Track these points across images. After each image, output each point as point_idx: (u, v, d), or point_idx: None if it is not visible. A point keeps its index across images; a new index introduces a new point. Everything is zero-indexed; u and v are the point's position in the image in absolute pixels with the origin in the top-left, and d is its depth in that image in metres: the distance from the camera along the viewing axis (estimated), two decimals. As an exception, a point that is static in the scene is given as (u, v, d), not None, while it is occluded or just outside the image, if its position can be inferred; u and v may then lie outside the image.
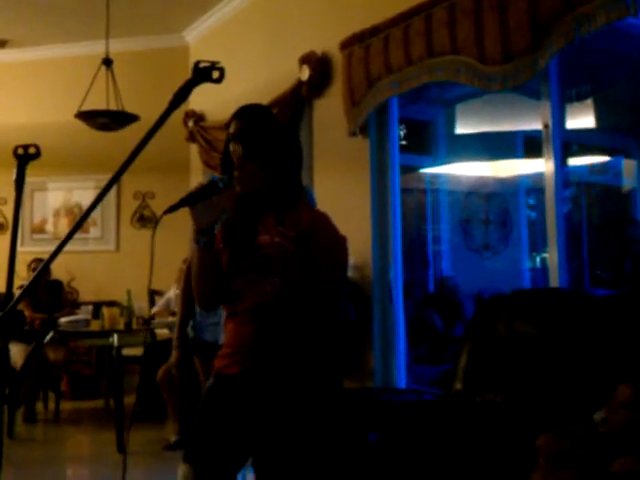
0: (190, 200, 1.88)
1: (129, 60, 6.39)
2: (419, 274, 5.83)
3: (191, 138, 6.40)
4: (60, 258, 1.54)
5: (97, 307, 5.93)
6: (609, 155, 5.81)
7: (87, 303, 6.32)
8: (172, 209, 1.83)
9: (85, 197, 6.85)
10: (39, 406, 5.72)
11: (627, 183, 5.82)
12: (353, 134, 4.17)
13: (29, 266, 5.67)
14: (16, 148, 1.63)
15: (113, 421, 4.62)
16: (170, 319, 5.03)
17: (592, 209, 5.89)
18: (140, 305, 5.36)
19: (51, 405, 5.80)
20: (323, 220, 2.02)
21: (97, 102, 5.57)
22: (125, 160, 1.38)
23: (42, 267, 1.65)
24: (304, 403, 1.93)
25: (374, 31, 3.91)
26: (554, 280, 3.24)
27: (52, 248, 1.52)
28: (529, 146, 5.75)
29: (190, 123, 6.34)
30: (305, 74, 4.62)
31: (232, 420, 1.96)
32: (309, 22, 4.86)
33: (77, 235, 1.53)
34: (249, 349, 1.96)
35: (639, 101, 4.90)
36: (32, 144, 1.61)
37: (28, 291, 1.54)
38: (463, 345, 2.80)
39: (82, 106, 5.51)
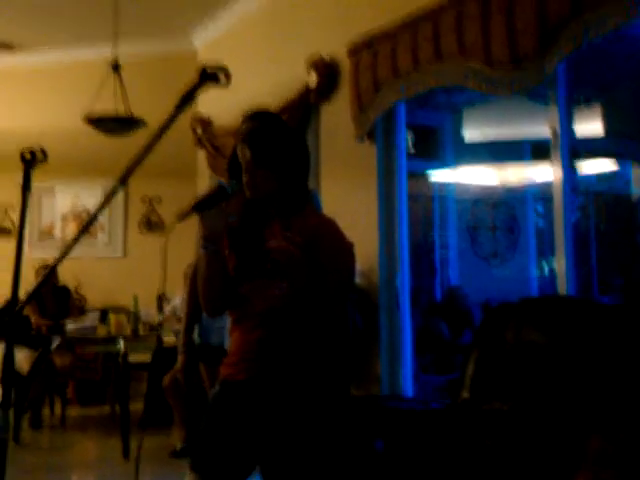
0: (200, 207, 1.88)
1: (137, 65, 6.41)
2: (426, 281, 5.81)
3: (199, 143, 6.41)
4: (67, 264, 1.54)
5: (104, 313, 5.93)
6: (617, 161, 5.78)
7: (94, 309, 6.33)
8: (184, 216, 1.83)
9: (92, 202, 6.86)
10: (45, 412, 5.72)
11: (636, 191, 5.79)
12: (360, 139, 4.17)
13: (37, 272, 5.68)
14: (23, 152, 1.63)
15: (119, 427, 4.61)
16: (177, 325, 5.03)
17: (600, 217, 5.86)
18: (147, 311, 5.36)
19: (57, 411, 5.80)
20: (330, 226, 2.01)
21: (105, 107, 5.58)
22: (132, 162, 1.37)
23: (48, 272, 1.65)
24: (311, 410, 1.91)
25: (382, 36, 3.91)
26: (562, 288, 3.21)
27: (61, 253, 1.52)
28: (537, 152, 5.73)
29: (198, 128, 6.35)
30: (313, 79, 4.62)
31: (239, 428, 1.94)
32: (317, 27, 4.86)
33: (84, 240, 1.52)
34: (256, 356, 1.95)
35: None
36: (39, 148, 1.61)
37: (33, 296, 1.53)
38: (470, 353, 2.78)
39: (90, 111, 5.53)
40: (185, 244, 3.85)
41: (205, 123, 6.30)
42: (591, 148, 5.24)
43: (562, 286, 3.21)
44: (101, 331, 5.27)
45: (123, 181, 1.42)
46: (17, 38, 6.74)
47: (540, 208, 6.19)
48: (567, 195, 3.18)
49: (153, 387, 5.11)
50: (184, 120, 1.62)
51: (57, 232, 7.08)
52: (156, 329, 5.24)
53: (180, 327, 3.83)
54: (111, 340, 5.01)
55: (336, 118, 4.53)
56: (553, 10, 2.89)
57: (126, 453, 4.50)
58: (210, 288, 1.99)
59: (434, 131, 5.72)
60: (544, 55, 2.93)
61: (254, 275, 1.97)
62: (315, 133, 4.73)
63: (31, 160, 1.64)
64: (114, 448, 4.56)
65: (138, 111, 5.60)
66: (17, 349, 5.04)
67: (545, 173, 5.27)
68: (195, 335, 3.54)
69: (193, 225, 2.04)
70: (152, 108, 5.52)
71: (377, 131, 4.14)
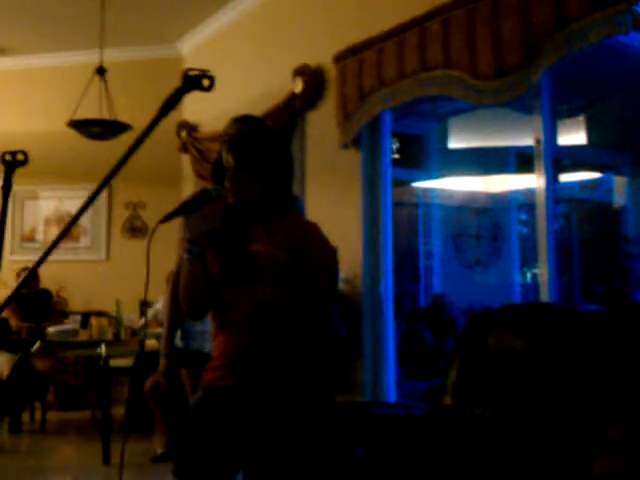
0: (185, 209, 1.88)
1: (123, 70, 6.39)
2: (410, 288, 5.83)
3: (183, 149, 6.40)
4: (49, 267, 1.53)
5: (86, 317, 5.88)
6: (600, 171, 5.84)
7: (76, 313, 6.28)
8: (167, 218, 1.82)
9: (76, 206, 6.74)
10: (25, 416, 5.66)
11: (618, 200, 5.85)
12: (345, 147, 4.18)
13: (18, 275, 5.63)
14: (4, 154, 1.62)
15: (100, 432, 4.58)
16: (158, 330, 5.00)
17: (583, 225, 5.91)
18: (129, 316, 5.33)
19: (37, 415, 5.74)
20: (315, 230, 2.02)
21: (90, 111, 5.56)
22: (114, 165, 1.36)
23: (28, 274, 1.63)
24: (294, 417, 1.91)
25: (367, 44, 3.93)
26: (544, 295, 3.24)
27: (42, 257, 1.51)
28: (521, 161, 5.77)
29: (183, 134, 6.34)
30: (298, 86, 4.63)
31: (222, 433, 1.94)
32: (303, 35, 4.88)
33: (67, 244, 1.52)
34: (240, 361, 1.95)
35: (630, 118, 4.93)
36: (20, 150, 1.60)
37: (11, 299, 1.52)
38: (453, 359, 2.79)
39: (75, 115, 5.50)
40: (168, 249, 3.85)
41: (190, 128, 6.29)
42: (574, 158, 5.29)
43: (544, 294, 3.23)
44: (82, 335, 5.24)
45: (103, 185, 1.41)
46: (5, 43, 6.71)
47: (523, 216, 6.23)
48: (550, 203, 3.21)
49: (135, 392, 5.09)
50: (169, 125, 1.61)
51: (39, 236, 7.03)
52: (138, 333, 5.21)
53: (162, 331, 3.82)
54: (92, 344, 4.97)
55: (321, 125, 4.54)
56: (538, 21, 2.92)
57: (107, 458, 4.47)
58: (192, 291, 1.99)
59: (419, 139, 5.75)
60: (529, 66, 2.96)
61: (238, 280, 1.96)
62: (300, 140, 4.73)
63: (12, 162, 1.64)
64: (95, 453, 4.52)
65: (123, 116, 5.58)
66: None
67: (528, 181, 5.31)
68: (177, 340, 3.52)
69: (176, 230, 2.04)
70: (137, 113, 5.50)
71: (362, 139, 4.16)
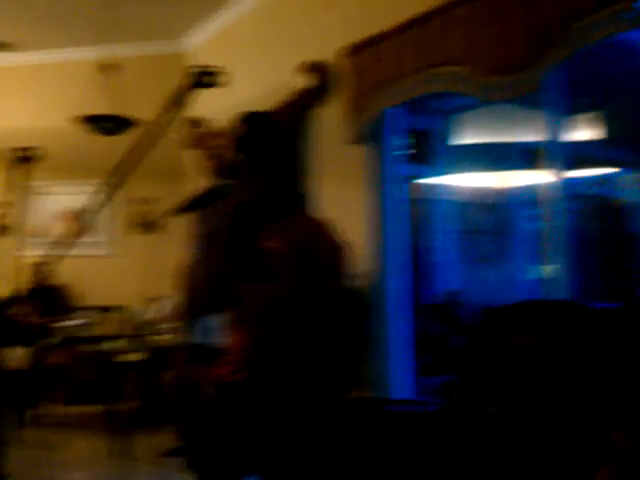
0: (197, 204, 1.90)
1: (131, 65, 6.41)
2: (417, 284, 5.83)
3: (190, 144, 6.41)
4: (61, 262, 1.55)
5: (97, 312, 5.93)
6: (609, 167, 5.81)
7: (87, 308, 6.32)
8: (179, 211, 1.84)
9: (86, 202, 6.85)
10: (38, 410, 5.71)
11: (627, 196, 5.82)
12: (352, 143, 4.18)
13: (30, 270, 5.66)
14: (16, 150, 1.64)
15: (112, 426, 4.61)
16: (167, 325, 5.03)
17: (591, 222, 5.89)
18: (139, 310, 5.36)
19: (50, 409, 5.79)
20: (325, 228, 2.03)
21: (99, 107, 5.58)
22: (124, 167, 1.38)
23: (39, 272, 1.66)
24: (306, 411, 1.93)
25: (373, 41, 3.93)
26: (556, 292, 3.23)
27: (53, 252, 1.53)
28: (529, 157, 5.74)
29: (190, 129, 6.34)
30: (305, 82, 4.62)
31: (236, 428, 1.95)
32: (309, 31, 4.88)
33: (77, 239, 1.54)
34: (251, 356, 1.96)
35: (640, 113, 4.91)
36: (32, 146, 1.62)
37: (25, 295, 1.54)
38: (464, 356, 2.79)
39: (84, 110, 5.53)
40: (176, 244, 3.88)
41: (196, 124, 6.30)
42: (584, 154, 5.27)
43: (554, 290, 3.23)
44: (92, 330, 5.28)
45: (118, 184, 1.43)
46: (10, 38, 6.74)
47: (531, 212, 6.21)
48: (559, 199, 3.21)
49: (145, 386, 5.12)
50: (175, 121, 1.64)
51: (49, 231, 7.06)
52: (147, 328, 5.24)
53: (175, 326, 3.84)
54: (102, 339, 5.01)
55: (330, 121, 4.53)
56: (545, 18, 2.92)
57: (117, 452, 4.50)
58: (203, 287, 2.01)
59: (426, 136, 5.74)
60: (536, 62, 2.95)
61: (248, 276, 1.98)
62: (308, 136, 4.73)
63: (24, 158, 1.66)
64: (107, 447, 4.56)
65: (131, 111, 5.60)
66: (11, 348, 5.05)
67: (537, 177, 5.29)
68: (189, 334, 3.54)
69: (184, 225, 2.06)
70: (146, 108, 5.52)
71: (368, 135, 4.16)
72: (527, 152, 5.77)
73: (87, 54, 6.66)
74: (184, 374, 3.26)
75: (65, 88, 6.88)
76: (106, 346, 4.96)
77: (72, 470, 4.62)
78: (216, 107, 5.57)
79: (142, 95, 6.37)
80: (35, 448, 5.06)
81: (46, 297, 5.80)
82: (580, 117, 5.07)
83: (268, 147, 2.02)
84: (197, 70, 1.40)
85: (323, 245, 1.99)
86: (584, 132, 5.29)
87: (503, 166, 5.98)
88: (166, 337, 5.05)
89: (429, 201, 6.02)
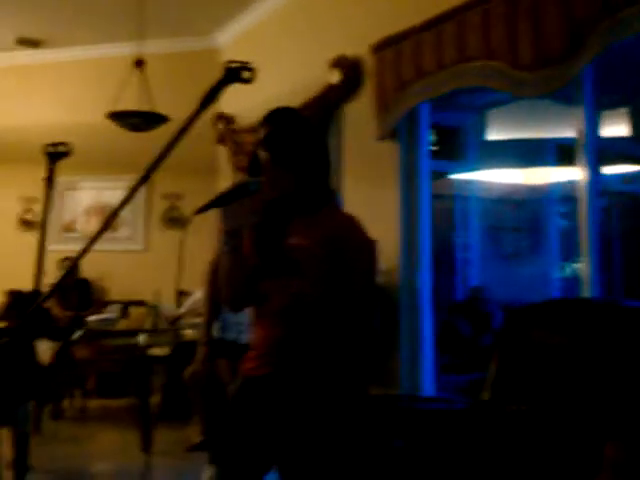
0: (222, 201, 1.88)
1: (161, 62, 6.44)
2: (447, 281, 5.78)
3: (221, 140, 6.43)
4: (89, 257, 1.55)
5: (125, 306, 5.98)
6: (637, 165, 5.71)
7: (115, 302, 6.38)
8: (204, 209, 1.83)
9: (115, 197, 6.91)
10: (66, 403, 5.78)
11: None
12: (382, 139, 4.15)
13: (59, 264, 5.73)
14: (46, 146, 1.64)
15: (138, 420, 4.64)
16: (197, 320, 5.05)
17: (624, 219, 5.79)
18: (167, 305, 5.39)
19: (77, 402, 5.86)
20: (354, 223, 2.00)
21: (128, 103, 5.62)
22: (154, 159, 1.38)
23: (70, 266, 1.66)
24: (330, 407, 1.91)
25: (406, 35, 3.89)
26: (586, 290, 3.18)
27: (81, 247, 1.53)
28: (561, 154, 5.67)
29: (220, 125, 6.37)
30: (335, 78, 4.61)
31: (260, 423, 1.95)
32: (340, 26, 4.85)
33: (106, 234, 1.54)
34: (276, 352, 1.96)
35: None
36: (62, 142, 1.63)
37: (56, 289, 1.55)
38: (492, 354, 2.76)
39: (114, 106, 5.56)
40: (206, 240, 3.88)
41: (227, 120, 6.32)
42: (616, 150, 5.18)
43: (586, 288, 3.18)
44: (122, 324, 5.32)
45: (144, 179, 1.42)
46: (43, 35, 6.81)
47: (563, 209, 6.12)
48: (592, 196, 3.15)
49: (172, 380, 5.14)
50: (206, 117, 1.62)
51: (79, 226, 7.14)
52: (175, 323, 5.27)
53: (200, 321, 3.85)
54: (131, 333, 5.04)
55: (358, 117, 4.52)
56: (581, 11, 2.86)
57: (146, 446, 4.53)
58: (231, 283, 2.00)
59: (457, 131, 5.68)
60: (571, 57, 2.90)
61: (274, 273, 1.97)
62: (337, 132, 4.72)
63: (55, 154, 1.66)
64: (134, 440, 4.59)
65: (161, 107, 5.63)
66: (39, 341, 5.10)
67: (569, 174, 5.22)
68: (214, 330, 3.54)
69: (213, 221, 2.04)
70: (175, 104, 5.55)
71: (400, 131, 4.13)
72: (559, 148, 5.70)
73: (117, 51, 6.71)
74: (206, 369, 3.26)
75: (96, 85, 6.94)
76: (133, 340, 4.99)
77: (96, 463, 4.67)
78: (245, 104, 5.58)
79: (172, 91, 6.41)
80: (60, 441, 5.12)
81: (74, 291, 5.86)
82: (608, 113, 4.98)
83: (297, 143, 1.99)
84: (235, 65, 1.38)
85: (352, 241, 1.96)
86: (612, 128, 5.19)
87: (534, 162, 5.91)
88: (193, 332, 5.08)
89: (460, 197, 5.97)
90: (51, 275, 5.27)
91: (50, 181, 1.64)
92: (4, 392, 4.04)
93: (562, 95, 3.66)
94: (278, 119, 2.22)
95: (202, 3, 6.02)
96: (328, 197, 2.07)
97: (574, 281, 5.68)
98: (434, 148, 4.85)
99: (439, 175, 5.39)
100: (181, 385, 4.67)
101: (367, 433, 2.12)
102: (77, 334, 5.18)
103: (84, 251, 1.49)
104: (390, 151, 4.19)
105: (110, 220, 1.50)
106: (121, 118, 5.52)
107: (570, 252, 5.84)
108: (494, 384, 2.67)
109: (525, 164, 5.90)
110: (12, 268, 6.65)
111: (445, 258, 5.76)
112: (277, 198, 1.99)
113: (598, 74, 3.26)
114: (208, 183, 6.40)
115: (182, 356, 4.91)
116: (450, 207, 5.93)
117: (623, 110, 5.17)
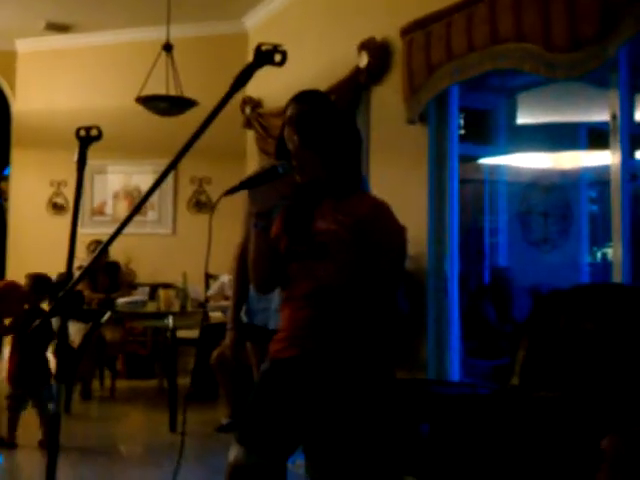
0: (250, 183, 1.89)
1: (189, 46, 6.45)
2: (475, 266, 5.74)
3: (248, 124, 6.43)
4: (118, 240, 1.56)
5: (153, 289, 6.04)
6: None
7: (144, 285, 6.45)
8: (232, 191, 1.84)
9: (144, 181, 6.97)
10: (95, 384, 5.87)
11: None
12: (412, 122, 4.12)
13: (88, 247, 5.80)
14: (78, 130, 1.65)
15: (166, 401, 4.70)
16: (224, 303, 5.08)
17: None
18: (195, 288, 5.43)
19: (107, 383, 5.95)
20: (383, 209, 1.99)
21: (157, 87, 5.64)
22: (184, 144, 1.38)
23: (101, 249, 1.67)
24: (358, 389, 1.92)
25: (436, 17, 3.84)
26: (617, 275, 3.14)
27: (111, 230, 1.54)
28: (593, 138, 5.57)
29: (247, 109, 6.36)
30: (364, 61, 4.57)
31: (286, 404, 1.96)
32: (369, 8, 4.81)
33: (135, 218, 1.55)
34: (304, 334, 1.97)
35: None
36: (94, 126, 1.63)
37: (88, 272, 1.56)
38: (521, 340, 2.74)
39: (142, 91, 5.59)
40: (234, 223, 3.90)
41: (254, 104, 6.31)
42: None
43: (617, 274, 3.13)
44: (150, 307, 5.37)
45: (173, 165, 1.43)
46: (73, 20, 6.85)
47: (594, 194, 6.03)
48: (625, 181, 3.10)
49: (200, 362, 5.19)
50: (234, 101, 1.62)
51: (108, 210, 7.21)
52: (203, 306, 5.31)
53: (228, 304, 3.87)
54: (160, 315, 5.09)
55: (387, 100, 4.48)
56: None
57: (173, 426, 4.59)
58: (259, 265, 2.01)
59: (487, 114, 5.61)
60: (606, 37, 2.84)
61: (301, 256, 1.97)
62: (365, 115, 4.69)
63: (86, 138, 1.67)
64: (162, 421, 4.65)
65: (190, 92, 5.64)
66: (69, 323, 5.18)
67: (600, 158, 5.13)
68: (242, 314, 3.56)
69: (241, 204, 2.04)
70: (203, 89, 5.56)
71: (429, 114, 4.09)
72: (590, 132, 5.60)
73: (146, 35, 6.73)
74: (233, 354, 3.28)
75: (124, 69, 6.98)
76: (161, 322, 5.04)
77: (125, 443, 4.74)
78: (273, 87, 5.57)
79: (200, 75, 6.42)
80: (89, 421, 5.21)
81: (104, 274, 5.92)
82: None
83: (328, 126, 1.99)
84: (267, 48, 1.37)
85: (381, 227, 1.95)
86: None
87: (565, 147, 5.82)
88: (220, 314, 5.11)
89: (489, 182, 5.91)
90: (80, 258, 5.32)
91: (82, 165, 1.65)
92: (31, 373, 4.12)
93: (595, 78, 3.59)
94: (307, 101, 2.21)
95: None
96: (358, 182, 2.06)
97: (604, 267, 5.60)
98: (463, 132, 4.80)
99: (468, 159, 5.33)
100: (209, 367, 4.71)
101: (393, 416, 2.12)
102: (106, 316, 5.24)
103: (115, 235, 1.50)
104: (418, 135, 4.16)
105: (140, 205, 1.50)
106: (150, 102, 5.54)
107: (600, 237, 5.76)
108: (523, 370, 2.65)
109: (556, 148, 5.82)
110: (42, 251, 6.76)
111: (474, 243, 5.71)
112: (307, 182, 1.99)
113: (632, 56, 3.19)
114: (236, 167, 6.41)
115: (210, 338, 4.95)
116: (479, 192, 5.87)
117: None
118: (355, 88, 4.71)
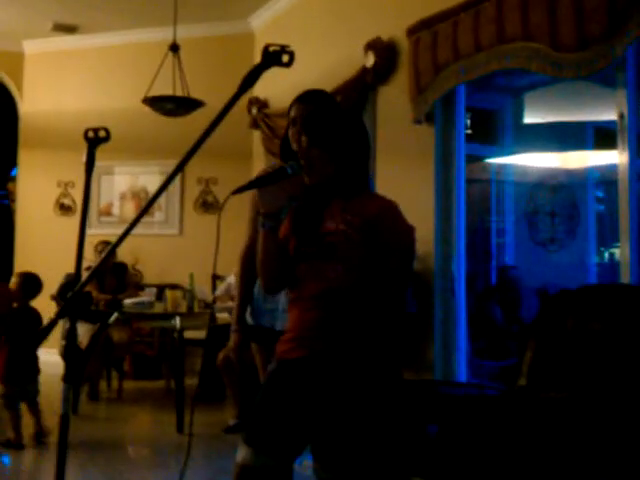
0: (259, 183, 1.89)
1: (195, 46, 6.46)
2: (482, 266, 5.73)
3: (254, 125, 6.44)
4: (126, 241, 1.56)
5: (160, 290, 6.04)
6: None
7: (151, 285, 6.45)
8: (240, 190, 1.84)
9: (151, 182, 6.99)
10: (102, 385, 5.88)
11: None
12: (418, 122, 4.11)
13: (95, 248, 5.81)
14: (87, 131, 1.65)
15: (174, 402, 4.70)
16: (231, 303, 5.08)
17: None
18: (202, 289, 5.43)
19: (114, 384, 5.96)
20: (392, 208, 1.99)
21: (164, 88, 5.65)
22: (193, 144, 1.38)
23: (110, 250, 1.68)
24: (366, 390, 1.91)
25: (442, 17, 3.84)
26: (625, 276, 3.13)
27: (118, 231, 1.55)
28: (600, 137, 5.55)
29: (253, 110, 6.37)
30: (370, 60, 4.57)
31: (294, 404, 1.96)
32: (375, 8, 4.81)
33: (142, 219, 1.55)
34: (312, 334, 1.96)
35: None
36: (102, 127, 1.64)
37: (96, 273, 1.57)
38: (528, 340, 2.73)
39: (149, 92, 5.60)
40: (240, 224, 3.90)
41: (261, 104, 6.32)
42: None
43: (625, 274, 3.12)
44: (157, 307, 5.37)
45: (180, 167, 1.43)
46: (80, 21, 6.87)
47: (601, 193, 6.01)
48: (633, 181, 3.09)
49: (207, 363, 5.20)
50: (240, 102, 1.62)
51: (115, 211, 7.23)
52: (210, 307, 5.31)
53: (233, 305, 3.87)
54: (167, 316, 5.09)
55: (393, 100, 4.48)
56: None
57: (180, 427, 4.60)
58: (268, 265, 2.01)
59: (494, 114, 5.60)
60: (613, 37, 2.83)
61: (310, 256, 1.97)
62: (372, 115, 4.69)
63: (94, 139, 1.67)
64: (169, 422, 4.65)
65: (196, 92, 5.65)
66: (77, 323, 5.18)
67: (607, 158, 5.11)
68: (247, 316, 3.56)
69: (248, 207, 2.04)
70: (210, 89, 5.58)
71: (436, 114, 4.08)
72: (597, 132, 5.58)
73: (152, 36, 6.75)
74: (238, 356, 3.27)
75: (131, 70, 7.00)
76: (168, 323, 5.05)
77: (132, 444, 4.74)
78: (279, 88, 5.58)
79: (207, 76, 6.43)
80: (96, 421, 5.22)
81: (111, 275, 5.94)
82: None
83: (334, 124, 1.98)
84: (275, 48, 1.37)
85: (390, 227, 1.95)
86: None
87: (572, 146, 5.80)
88: (227, 315, 5.11)
89: (496, 182, 5.89)
90: (87, 259, 5.34)
91: (90, 166, 1.65)
92: (20, 371, 4.16)
93: (602, 77, 3.58)
94: (312, 101, 2.21)
95: (236, -13, 6.01)
96: (366, 181, 2.06)
97: (612, 267, 5.58)
98: (469, 131, 4.80)
99: (475, 159, 5.32)
100: (216, 368, 4.72)
101: (401, 416, 2.12)
102: (114, 317, 5.25)
103: (123, 237, 1.51)
104: (425, 134, 4.16)
105: (148, 207, 1.51)
106: (156, 103, 5.55)
107: (607, 237, 5.74)
108: (531, 371, 2.65)
109: (563, 148, 5.80)
110: (50, 252, 6.78)
111: (481, 243, 5.70)
112: (317, 182, 1.98)
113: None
114: (242, 168, 6.42)
115: (217, 339, 4.95)
116: (486, 192, 5.86)
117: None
118: (361, 88, 4.71)
